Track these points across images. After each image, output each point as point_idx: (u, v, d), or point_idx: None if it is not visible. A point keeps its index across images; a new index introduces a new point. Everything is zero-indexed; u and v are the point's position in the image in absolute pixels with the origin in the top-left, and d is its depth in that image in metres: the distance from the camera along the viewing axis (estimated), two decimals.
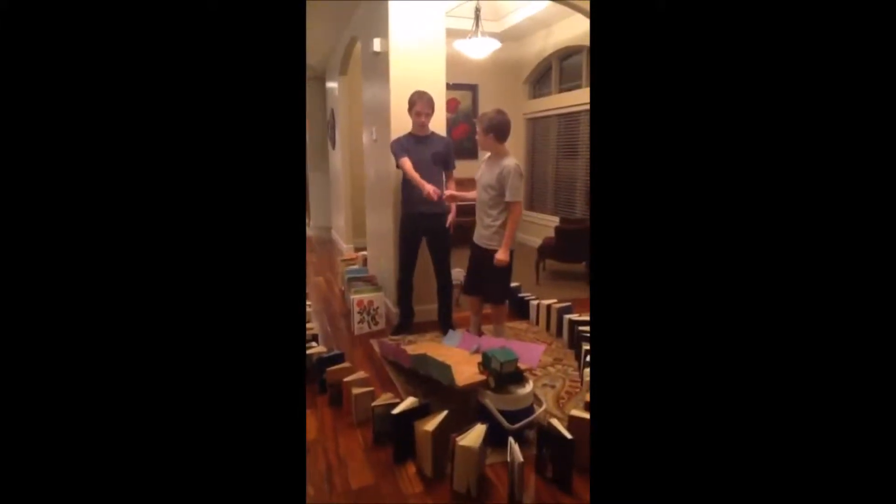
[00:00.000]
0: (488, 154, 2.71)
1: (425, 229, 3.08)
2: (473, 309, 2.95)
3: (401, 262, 3.17)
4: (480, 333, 2.95)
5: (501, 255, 2.57)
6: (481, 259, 2.70)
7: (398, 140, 3.02)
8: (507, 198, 2.55)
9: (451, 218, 3.05)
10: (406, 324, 3.24)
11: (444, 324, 3.19)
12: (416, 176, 2.87)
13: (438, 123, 3.23)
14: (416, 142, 3.01)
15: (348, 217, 5.84)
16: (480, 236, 2.72)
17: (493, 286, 2.75)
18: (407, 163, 2.91)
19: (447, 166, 3.09)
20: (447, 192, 2.93)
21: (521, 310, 3.52)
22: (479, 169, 2.74)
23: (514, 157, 2.63)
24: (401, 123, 3.21)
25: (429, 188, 2.79)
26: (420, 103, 2.93)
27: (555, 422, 1.81)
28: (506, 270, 2.68)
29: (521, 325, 3.37)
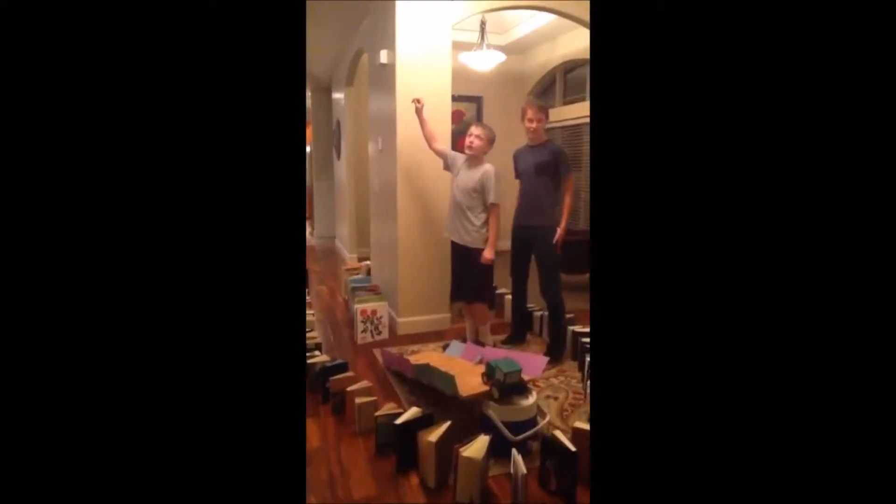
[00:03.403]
0: (464, 160, 2.90)
1: (531, 243, 2.91)
2: (466, 314, 3.04)
3: (511, 275, 3.09)
4: (479, 343, 2.99)
5: (488, 254, 2.75)
6: (464, 259, 2.85)
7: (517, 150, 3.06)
8: (492, 199, 2.76)
9: (559, 233, 2.82)
10: (518, 334, 3.17)
11: (556, 352, 2.89)
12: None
13: (443, 135, 3.25)
14: (526, 151, 2.96)
15: (352, 226, 5.86)
16: (463, 238, 2.85)
17: (475, 285, 2.89)
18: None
19: (556, 174, 2.85)
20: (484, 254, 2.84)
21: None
22: (452, 163, 2.93)
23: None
24: (407, 134, 3.23)
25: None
26: (531, 110, 2.85)
27: (558, 433, 1.80)
28: (490, 270, 2.85)
29: None
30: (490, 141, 2.85)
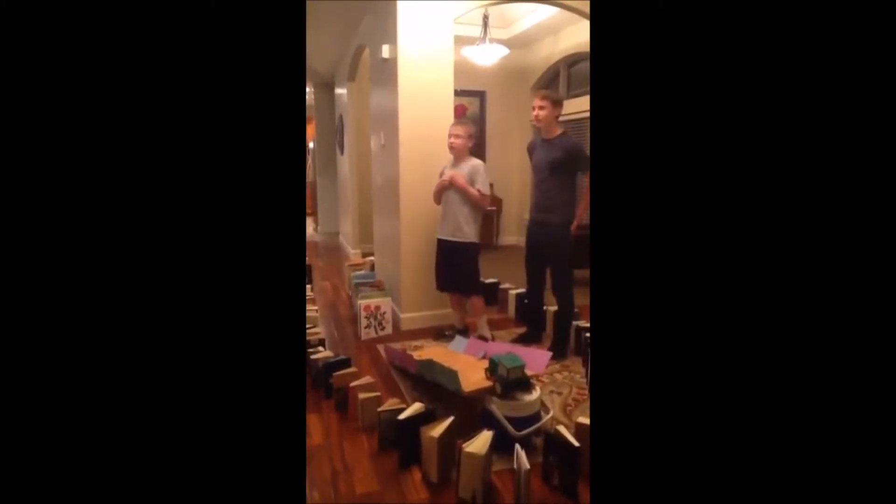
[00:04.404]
0: (450, 162, 3.01)
1: (541, 240, 2.85)
2: (454, 305, 3.19)
3: (525, 272, 3.04)
4: (466, 328, 3.14)
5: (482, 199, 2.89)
6: (451, 253, 2.98)
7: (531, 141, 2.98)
8: (479, 187, 2.85)
9: (573, 227, 2.74)
10: (532, 334, 3.11)
11: (559, 349, 2.84)
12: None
13: (445, 129, 3.23)
14: (539, 145, 2.85)
15: (356, 222, 5.86)
16: (451, 232, 2.96)
17: (468, 280, 3.00)
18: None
19: (571, 171, 2.74)
20: (447, 174, 2.94)
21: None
22: (445, 171, 2.99)
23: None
24: (409, 129, 3.23)
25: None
26: (536, 97, 2.74)
27: (561, 429, 1.80)
28: (474, 263, 2.98)
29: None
30: (469, 136, 2.94)
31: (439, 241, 3.07)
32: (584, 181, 2.75)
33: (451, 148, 2.93)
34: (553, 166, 2.74)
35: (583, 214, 2.74)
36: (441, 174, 3.03)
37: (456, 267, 2.99)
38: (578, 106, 5.46)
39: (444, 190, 2.97)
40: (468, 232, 2.94)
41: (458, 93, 3.43)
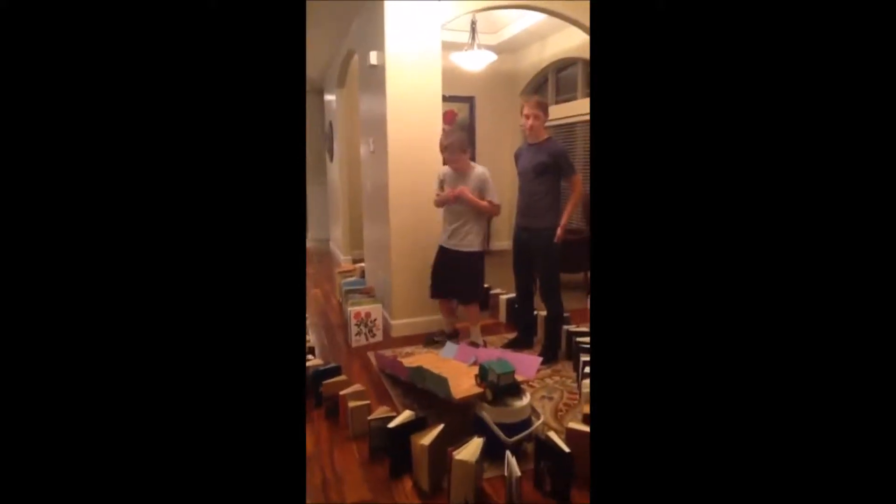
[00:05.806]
0: (451, 171, 2.97)
1: (528, 245, 2.85)
2: (444, 311, 3.20)
3: (514, 276, 3.03)
4: (456, 332, 3.17)
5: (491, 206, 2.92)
6: (452, 261, 2.98)
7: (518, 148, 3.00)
8: (489, 198, 2.90)
9: (559, 233, 2.73)
10: (522, 339, 3.10)
11: (550, 354, 2.85)
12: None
13: (434, 136, 3.24)
14: (525, 150, 2.87)
15: (346, 229, 5.84)
16: (455, 241, 2.96)
17: (464, 287, 3.01)
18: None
19: (556, 175, 2.76)
20: (453, 190, 2.91)
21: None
22: (443, 179, 3.00)
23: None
24: (398, 135, 3.22)
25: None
26: (527, 106, 2.77)
27: (553, 434, 1.80)
28: (478, 271, 3.00)
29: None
30: (465, 149, 2.94)
31: (442, 248, 3.04)
32: (566, 186, 2.81)
33: (460, 171, 2.92)
34: (538, 170, 2.75)
35: (567, 219, 2.76)
36: (440, 183, 2.99)
37: (459, 274, 2.97)
38: (566, 111, 5.49)
39: (450, 203, 2.95)
40: (473, 241, 2.95)
41: (446, 98, 3.44)
